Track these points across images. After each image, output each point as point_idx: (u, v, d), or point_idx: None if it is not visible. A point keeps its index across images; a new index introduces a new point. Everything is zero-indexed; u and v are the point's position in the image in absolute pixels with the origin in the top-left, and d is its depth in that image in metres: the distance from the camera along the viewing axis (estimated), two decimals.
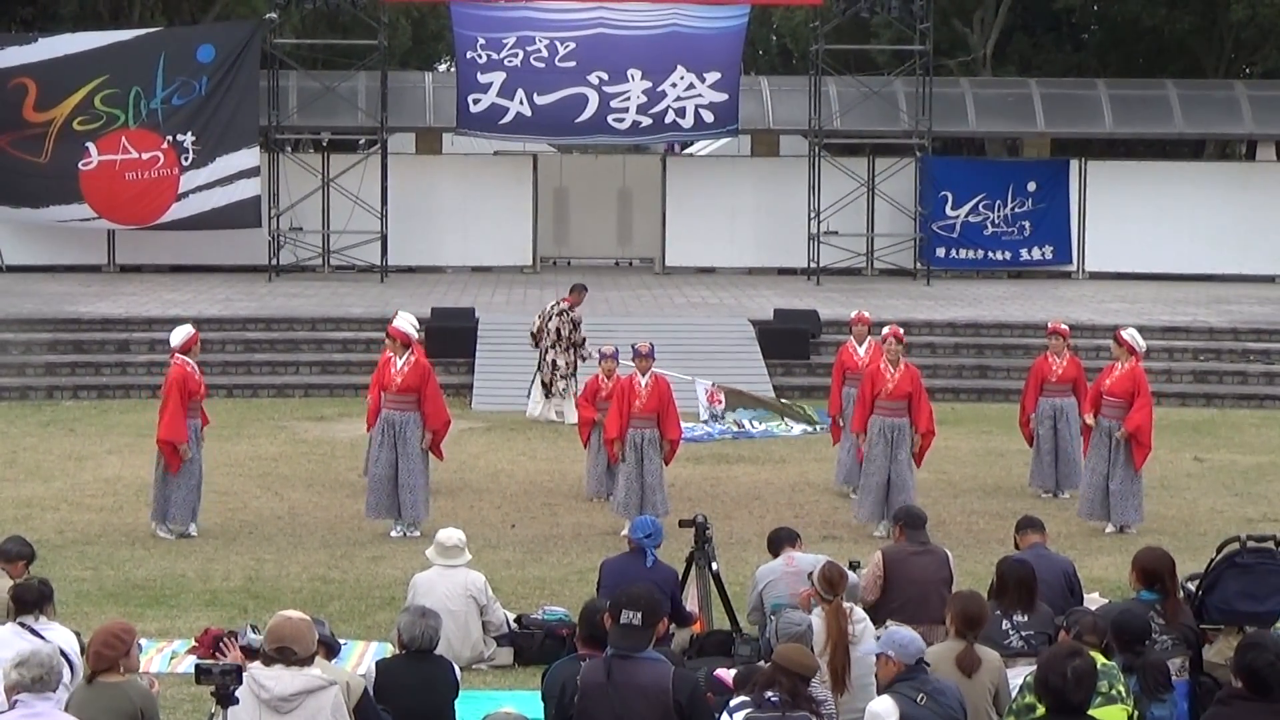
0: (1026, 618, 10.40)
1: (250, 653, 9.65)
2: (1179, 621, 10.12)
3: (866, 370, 17.98)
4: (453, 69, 40.05)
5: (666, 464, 17.23)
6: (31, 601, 10.25)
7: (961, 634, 9.64)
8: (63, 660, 8.50)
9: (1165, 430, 17.86)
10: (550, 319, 23.63)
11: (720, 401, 23.71)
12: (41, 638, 9.81)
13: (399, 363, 17.02)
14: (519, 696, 10.94)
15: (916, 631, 9.39)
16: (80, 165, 32.90)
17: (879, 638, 10.39)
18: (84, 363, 26.28)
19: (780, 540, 12.20)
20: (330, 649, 9.73)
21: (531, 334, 23.89)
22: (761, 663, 9.57)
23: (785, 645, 8.79)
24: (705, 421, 23.39)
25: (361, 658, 12.15)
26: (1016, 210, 35.64)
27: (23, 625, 10.14)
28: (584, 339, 23.49)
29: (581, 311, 23.87)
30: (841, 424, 18.99)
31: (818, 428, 22.81)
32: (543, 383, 23.59)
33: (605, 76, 33.66)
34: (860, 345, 19.46)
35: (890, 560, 11.70)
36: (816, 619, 10.26)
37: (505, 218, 35.85)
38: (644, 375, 17.24)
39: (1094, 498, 17.43)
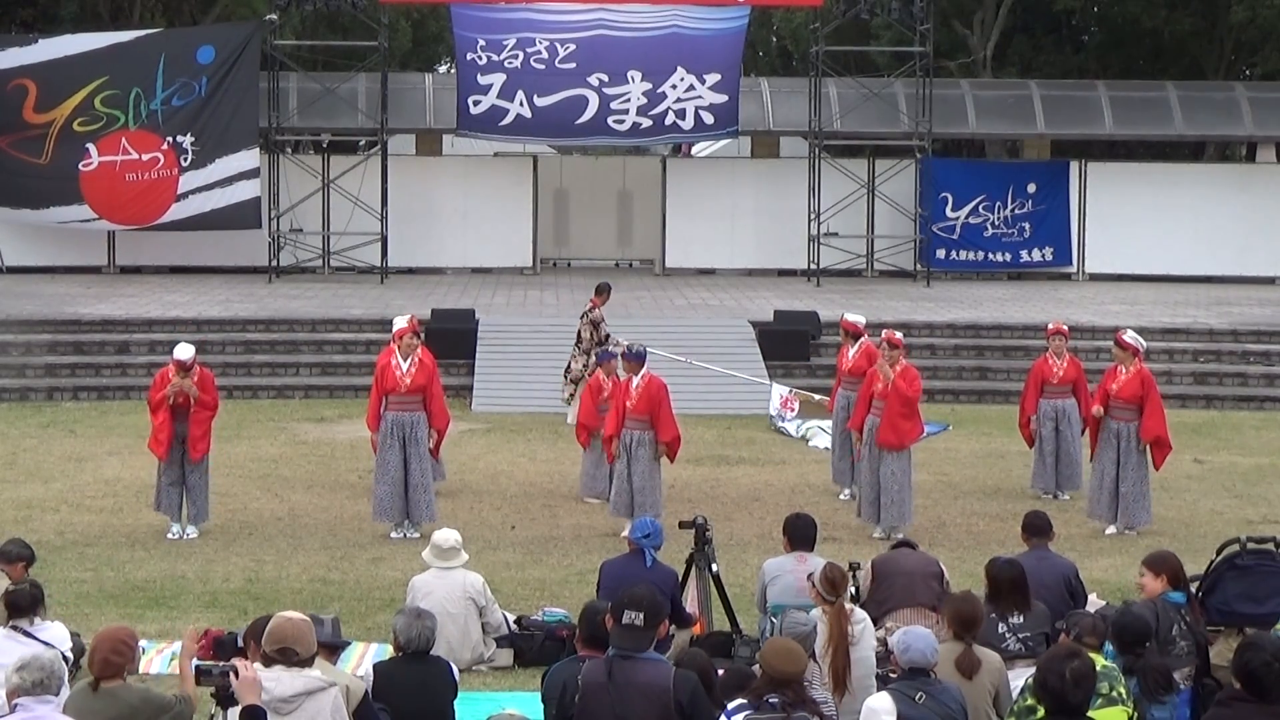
0: (1022, 619, 10.40)
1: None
2: (1200, 625, 10.12)
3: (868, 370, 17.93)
4: (453, 70, 40.05)
5: (671, 462, 17.18)
6: (25, 606, 10.28)
7: (959, 636, 9.65)
8: (64, 665, 8.48)
9: None
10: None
11: (794, 409, 23.46)
12: (38, 640, 9.82)
13: (405, 364, 17.01)
14: (519, 698, 10.94)
15: (907, 614, 9.41)
16: (80, 166, 32.90)
17: (884, 640, 10.40)
18: (84, 364, 26.27)
19: (804, 540, 12.04)
20: (333, 651, 9.70)
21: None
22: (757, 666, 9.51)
23: (771, 649, 8.57)
24: (772, 421, 23.30)
25: (361, 659, 12.13)
26: (1016, 212, 35.63)
27: (15, 629, 10.15)
28: (608, 335, 22.64)
29: (602, 312, 23.14)
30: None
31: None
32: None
33: (605, 78, 33.65)
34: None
35: (877, 561, 12.00)
36: (818, 620, 10.25)
37: (505, 219, 35.84)
38: (632, 376, 17.13)
39: (1100, 499, 17.36)
